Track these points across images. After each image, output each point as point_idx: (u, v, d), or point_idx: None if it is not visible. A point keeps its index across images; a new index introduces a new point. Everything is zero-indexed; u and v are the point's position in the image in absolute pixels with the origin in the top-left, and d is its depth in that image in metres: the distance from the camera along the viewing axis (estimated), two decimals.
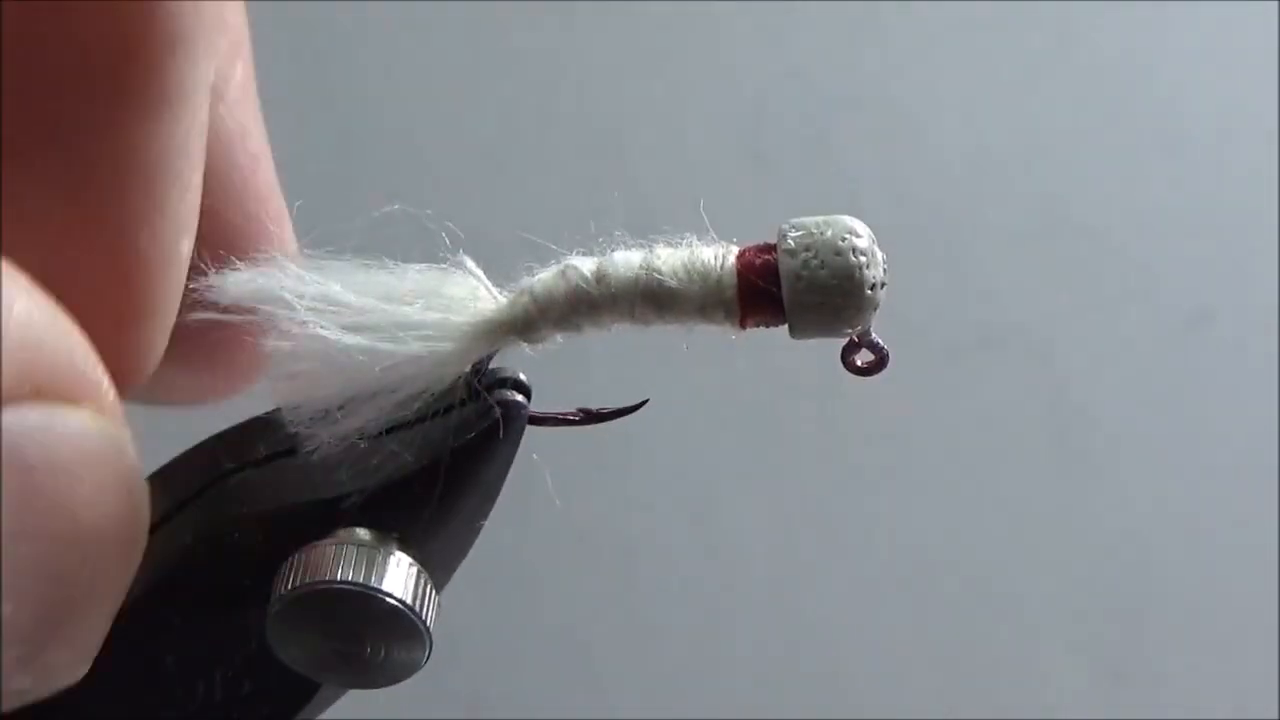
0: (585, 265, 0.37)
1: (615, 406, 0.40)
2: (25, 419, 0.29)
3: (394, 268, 0.37)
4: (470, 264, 0.38)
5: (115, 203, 0.34)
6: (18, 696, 0.32)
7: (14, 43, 0.31)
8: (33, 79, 0.32)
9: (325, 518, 0.38)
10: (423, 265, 0.38)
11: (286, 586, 0.37)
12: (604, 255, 0.37)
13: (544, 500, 0.43)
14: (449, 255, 0.38)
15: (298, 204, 0.42)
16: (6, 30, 0.31)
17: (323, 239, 0.38)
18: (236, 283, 0.36)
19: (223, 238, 0.39)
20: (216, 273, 0.36)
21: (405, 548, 0.38)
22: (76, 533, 0.31)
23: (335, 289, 0.36)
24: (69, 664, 0.33)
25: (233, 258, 0.37)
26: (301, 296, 0.36)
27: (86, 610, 0.32)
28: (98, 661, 0.33)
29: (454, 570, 0.40)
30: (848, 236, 0.36)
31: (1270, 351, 1.04)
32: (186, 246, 0.36)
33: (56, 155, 0.33)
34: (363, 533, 0.38)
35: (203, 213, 0.36)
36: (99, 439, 0.31)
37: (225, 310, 0.36)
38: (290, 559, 0.37)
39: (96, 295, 0.34)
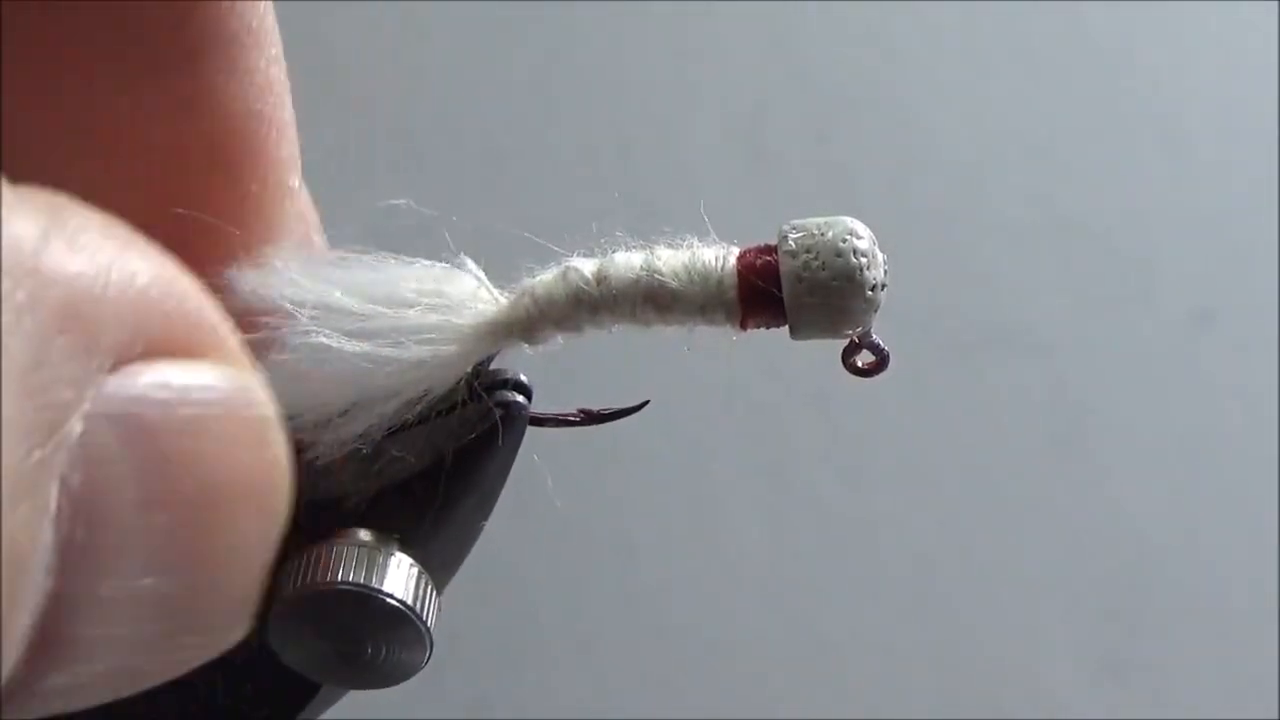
0: (586, 266, 0.37)
1: (616, 407, 0.40)
2: (138, 381, 0.28)
3: (395, 266, 0.37)
4: (471, 265, 0.38)
5: (206, 71, 0.35)
6: (185, 663, 0.32)
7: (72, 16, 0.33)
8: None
9: (326, 519, 0.38)
10: (424, 262, 0.38)
11: (288, 588, 0.37)
12: (605, 256, 0.37)
13: (544, 500, 0.43)
14: (450, 256, 0.38)
15: None
16: None
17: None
18: (249, 282, 0.36)
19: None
20: (235, 270, 0.36)
21: (406, 549, 0.38)
22: (212, 492, 0.30)
23: (337, 295, 0.36)
24: (228, 622, 0.32)
25: (245, 259, 0.37)
26: (303, 305, 0.36)
27: (239, 568, 0.32)
28: None
29: (455, 571, 0.40)
30: (849, 238, 0.36)
31: (1270, 351, 1.04)
32: (287, 111, 0.37)
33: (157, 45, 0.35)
34: (364, 534, 0.38)
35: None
36: (223, 389, 0.30)
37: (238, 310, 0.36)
38: (291, 560, 0.37)
39: (220, 154, 0.35)
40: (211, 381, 0.30)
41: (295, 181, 0.38)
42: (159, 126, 0.35)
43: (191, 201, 0.36)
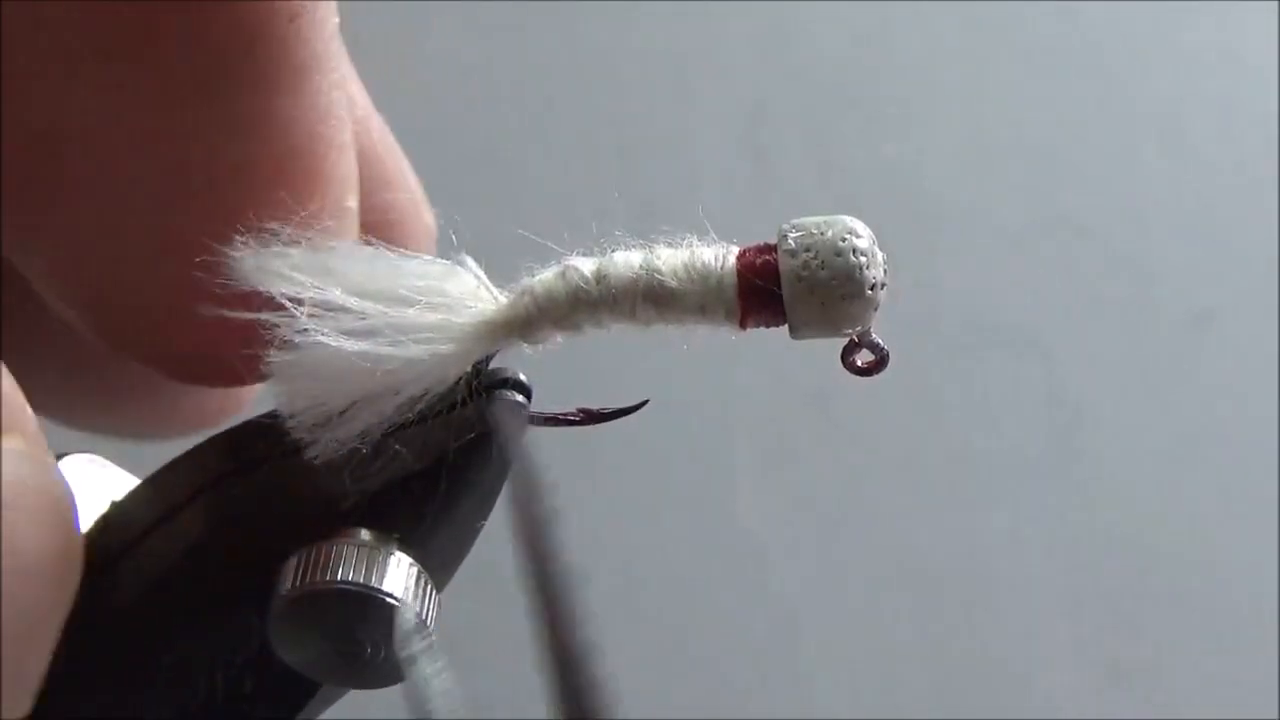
0: (585, 265, 0.37)
1: (615, 407, 0.40)
2: None
3: (394, 261, 0.37)
4: (471, 263, 0.38)
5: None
6: None
7: (148, 40, 0.34)
8: (173, 74, 0.34)
9: (326, 518, 0.38)
10: (424, 258, 0.38)
11: (287, 587, 0.37)
12: (604, 256, 0.37)
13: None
14: (451, 254, 0.38)
15: None
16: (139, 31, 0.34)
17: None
18: (244, 265, 0.36)
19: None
20: (228, 249, 0.36)
21: (405, 548, 0.38)
22: (18, 566, 0.30)
23: (336, 293, 0.36)
24: (16, 701, 0.32)
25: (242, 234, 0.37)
26: (301, 303, 0.36)
27: (34, 646, 0.32)
28: (100, 661, 0.33)
29: (454, 570, 0.40)
30: (848, 237, 0.36)
31: (1270, 351, 1.04)
32: (347, 134, 0.38)
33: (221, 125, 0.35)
34: (363, 533, 0.38)
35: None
36: (31, 467, 0.31)
37: (231, 301, 0.36)
38: (291, 560, 0.37)
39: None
40: (21, 458, 0.30)
41: (352, 202, 0.39)
42: (224, 145, 0.36)
43: (253, 216, 0.36)
